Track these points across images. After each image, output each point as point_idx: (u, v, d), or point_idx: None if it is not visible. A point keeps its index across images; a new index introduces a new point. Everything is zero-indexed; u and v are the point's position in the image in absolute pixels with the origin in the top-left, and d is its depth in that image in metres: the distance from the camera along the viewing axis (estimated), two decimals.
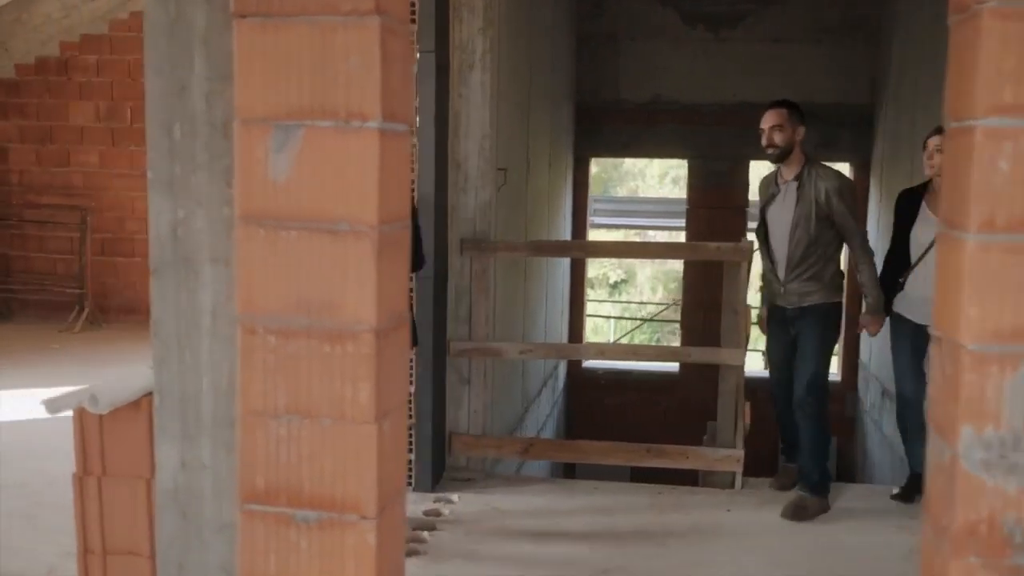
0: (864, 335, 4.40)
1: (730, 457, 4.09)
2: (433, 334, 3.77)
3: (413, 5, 3.41)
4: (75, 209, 8.63)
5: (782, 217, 4.00)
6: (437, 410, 3.94)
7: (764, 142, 3.98)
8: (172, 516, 1.59)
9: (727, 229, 8.50)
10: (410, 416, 3.99)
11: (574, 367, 8.90)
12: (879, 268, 4.08)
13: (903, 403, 4.13)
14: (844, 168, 8.54)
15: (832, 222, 3.90)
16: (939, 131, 3.80)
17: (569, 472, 7.08)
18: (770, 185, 4.13)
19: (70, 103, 8.72)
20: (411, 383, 3.96)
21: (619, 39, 8.43)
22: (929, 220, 3.94)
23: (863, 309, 4.12)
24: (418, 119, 3.52)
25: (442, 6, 3.64)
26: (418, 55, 3.45)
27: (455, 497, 3.99)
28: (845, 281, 4.11)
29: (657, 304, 20.11)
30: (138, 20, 8.55)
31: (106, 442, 1.64)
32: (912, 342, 4.01)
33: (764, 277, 4.24)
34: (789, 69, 8.40)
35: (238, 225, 1.40)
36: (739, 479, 4.14)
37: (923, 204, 4.02)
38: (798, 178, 3.94)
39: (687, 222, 9.05)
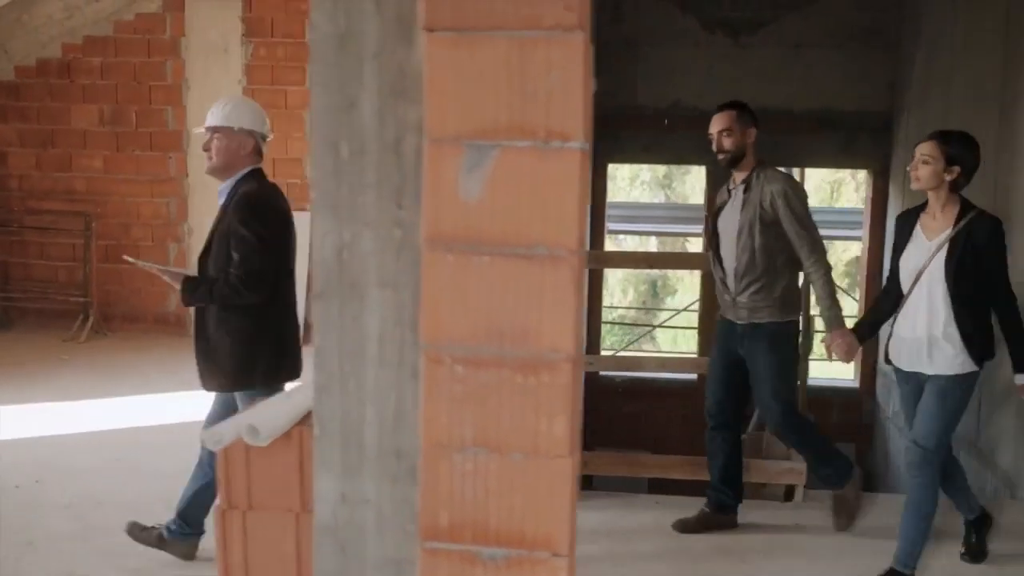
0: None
1: (792, 470, 4.07)
2: None
3: None
4: (78, 215, 8.51)
5: (730, 224, 3.86)
6: None
7: (714, 147, 3.83)
8: (331, 552, 1.54)
9: None
10: None
11: (591, 375, 8.87)
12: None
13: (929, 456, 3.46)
14: (862, 175, 8.56)
15: (781, 229, 3.72)
16: (934, 137, 3.48)
17: (586, 483, 7.04)
18: (723, 192, 3.99)
19: (72, 106, 8.61)
20: None
21: (639, 45, 8.42)
22: (922, 246, 3.50)
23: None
24: None
25: None
26: None
27: None
28: (805, 299, 3.91)
29: (627, 308, 20.18)
30: (143, 21, 8.48)
31: (253, 475, 1.59)
32: (913, 394, 3.58)
33: (716, 289, 4.11)
34: (808, 75, 8.42)
35: (425, 249, 1.35)
36: (800, 492, 4.11)
37: (917, 226, 3.55)
38: (746, 182, 3.81)
39: (704, 228, 9.05)
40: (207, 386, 3.51)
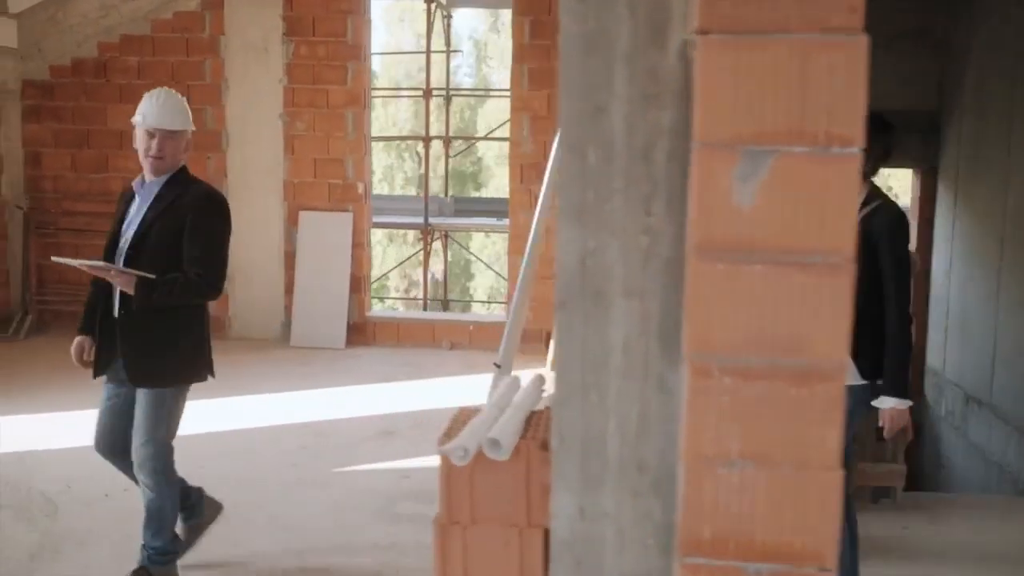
0: None
1: (893, 471, 4.05)
2: None
3: None
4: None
5: None
6: None
7: None
8: (567, 567, 1.53)
9: None
10: None
11: None
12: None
13: None
14: (908, 175, 8.54)
15: None
16: None
17: None
18: None
19: (108, 106, 8.61)
20: None
21: None
22: None
23: None
24: None
25: None
26: None
27: None
28: None
29: None
30: (182, 20, 8.47)
31: (476, 489, 1.58)
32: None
33: None
34: None
35: (693, 257, 1.34)
36: (899, 494, 4.10)
37: None
38: None
39: None
40: (139, 382, 3.45)
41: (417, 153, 14.62)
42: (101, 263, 3.44)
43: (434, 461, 4.78)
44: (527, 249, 4.76)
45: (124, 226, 3.57)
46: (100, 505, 4.08)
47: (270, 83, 8.35)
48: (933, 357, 8.45)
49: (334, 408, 6.21)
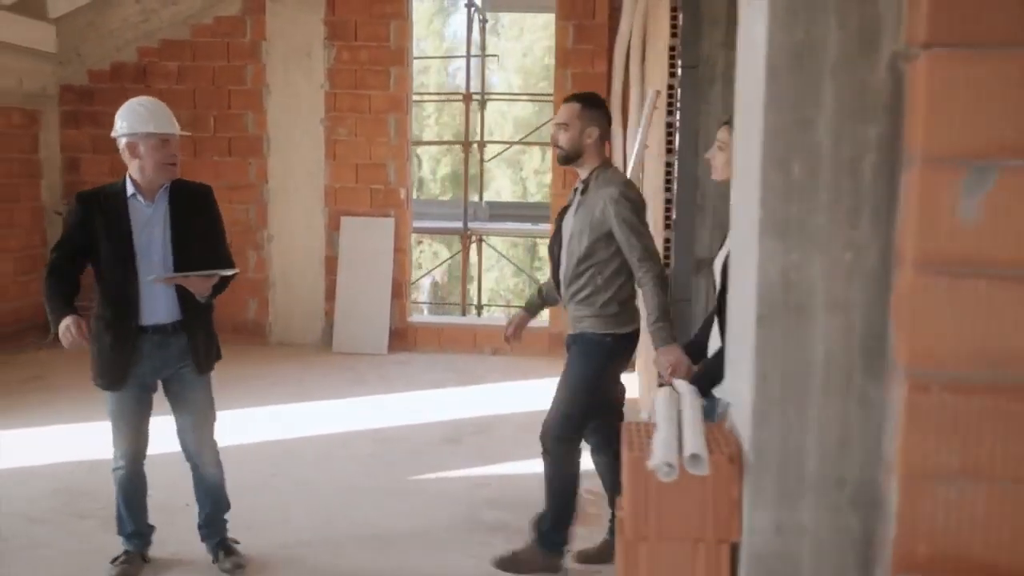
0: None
1: None
2: None
3: (675, 18, 3.38)
4: None
5: (567, 228, 3.68)
6: None
7: (551, 141, 3.61)
8: None
9: None
10: None
11: None
12: None
13: None
14: None
15: (613, 238, 3.50)
16: (729, 123, 3.09)
17: None
18: (573, 191, 3.77)
19: None
20: None
21: None
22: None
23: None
24: (677, 137, 3.47)
25: (695, 18, 3.59)
26: (679, 70, 3.40)
27: None
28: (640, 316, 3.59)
29: None
30: (223, 25, 8.51)
31: (664, 504, 1.59)
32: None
33: (530, 296, 3.94)
34: None
35: (909, 272, 1.35)
36: None
37: None
38: (585, 183, 3.63)
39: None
40: (205, 369, 3.71)
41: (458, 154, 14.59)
42: (190, 274, 3.50)
43: (507, 469, 4.77)
44: None
45: (140, 237, 3.56)
46: (183, 514, 4.10)
47: (311, 88, 8.38)
48: None
49: (394, 415, 6.20)
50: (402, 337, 8.42)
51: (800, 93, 1.43)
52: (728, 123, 3.09)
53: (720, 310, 2.84)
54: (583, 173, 3.62)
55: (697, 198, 3.97)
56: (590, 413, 3.62)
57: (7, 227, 8.22)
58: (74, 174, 8.86)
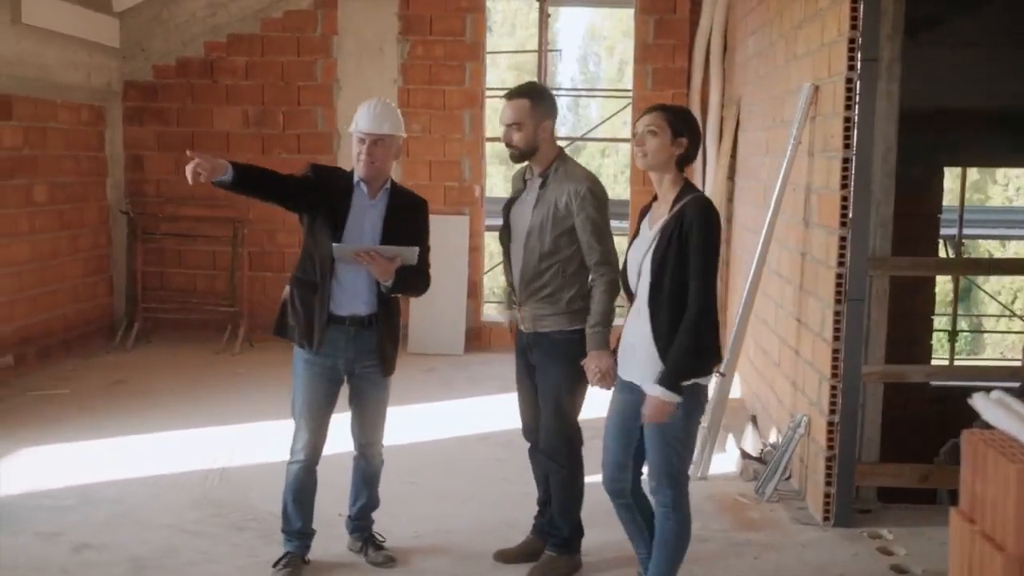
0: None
1: None
2: (846, 359, 3.75)
3: (855, 8, 3.41)
4: (222, 221, 8.58)
5: (522, 220, 3.66)
6: (848, 439, 3.92)
7: (503, 141, 3.66)
8: None
9: (917, 237, 8.49)
10: (831, 446, 3.98)
11: None
12: None
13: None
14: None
15: (575, 234, 3.51)
16: (655, 109, 3.21)
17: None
18: (520, 179, 3.76)
19: (215, 108, 8.70)
20: (833, 411, 3.95)
21: None
22: (644, 237, 3.25)
23: None
24: (855, 133, 3.51)
25: (875, 10, 3.63)
26: (859, 64, 3.43)
27: (886, 533, 3.98)
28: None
29: None
30: (293, 19, 8.57)
31: None
32: (618, 401, 3.39)
33: (505, 292, 3.92)
34: (986, 73, 8.41)
35: None
36: None
37: (645, 217, 3.31)
38: (543, 175, 3.63)
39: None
40: (389, 371, 3.88)
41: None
42: (372, 247, 3.63)
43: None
44: (754, 259, 4.82)
45: (354, 219, 3.75)
46: (338, 523, 4.14)
47: (384, 83, 8.42)
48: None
49: (497, 418, 6.16)
50: (477, 337, 8.46)
51: None
52: (658, 108, 3.20)
53: (653, 302, 3.10)
54: (539, 166, 3.65)
55: (873, 195, 4.00)
56: (581, 408, 3.76)
57: (78, 227, 8.27)
58: (138, 172, 8.92)
